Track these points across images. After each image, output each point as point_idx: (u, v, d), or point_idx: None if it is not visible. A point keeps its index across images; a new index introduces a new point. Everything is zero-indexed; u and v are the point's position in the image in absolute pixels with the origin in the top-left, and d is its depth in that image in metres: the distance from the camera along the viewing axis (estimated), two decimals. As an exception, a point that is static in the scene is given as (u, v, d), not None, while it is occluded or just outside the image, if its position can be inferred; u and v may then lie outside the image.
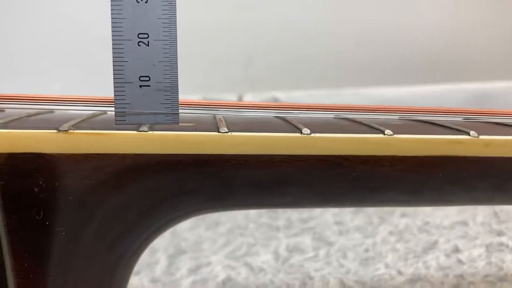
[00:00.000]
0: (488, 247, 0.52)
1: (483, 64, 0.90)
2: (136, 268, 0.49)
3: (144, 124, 0.25)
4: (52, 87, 0.76)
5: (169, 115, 0.26)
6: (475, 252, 0.50)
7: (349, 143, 0.25)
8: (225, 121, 0.27)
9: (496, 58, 0.90)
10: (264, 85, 0.87)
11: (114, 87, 0.25)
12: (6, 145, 0.23)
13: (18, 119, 0.27)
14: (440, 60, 0.89)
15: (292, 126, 0.26)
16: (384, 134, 0.26)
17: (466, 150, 0.26)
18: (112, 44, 0.25)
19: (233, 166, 0.25)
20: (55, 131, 0.24)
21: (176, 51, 0.26)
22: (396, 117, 0.34)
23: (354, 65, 0.88)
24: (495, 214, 0.59)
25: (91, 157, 0.24)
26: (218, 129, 0.25)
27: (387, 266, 0.48)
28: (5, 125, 0.24)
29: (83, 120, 0.26)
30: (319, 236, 0.56)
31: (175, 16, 0.25)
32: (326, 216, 0.61)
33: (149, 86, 0.25)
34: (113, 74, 0.25)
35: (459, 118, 0.34)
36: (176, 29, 0.26)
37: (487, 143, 0.26)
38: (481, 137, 0.26)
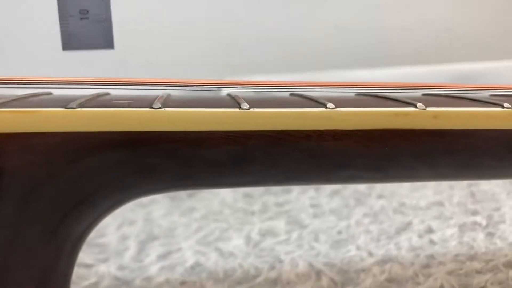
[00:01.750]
0: (461, 227, 0.51)
1: (462, 45, 0.89)
2: (104, 255, 0.49)
3: (84, 48, 0.30)
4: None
5: (105, 42, 0.31)
6: (448, 232, 0.50)
7: (289, 117, 0.24)
8: (165, 99, 0.26)
9: (475, 39, 0.89)
10: (244, 71, 0.86)
11: (60, 20, 0.30)
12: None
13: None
14: (419, 42, 0.88)
15: (235, 102, 0.26)
16: (326, 107, 0.25)
17: (413, 123, 0.25)
18: None
19: (170, 143, 0.24)
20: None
21: None
22: (353, 93, 0.33)
23: (333, 49, 0.87)
24: (472, 194, 0.58)
25: (18, 136, 0.23)
26: (151, 105, 0.24)
27: (358, 248, 0.48)
28: None
29: (17, 99, 0.25)
30: (294, 219, 0.55)
31: None
32: (302, 199, 0.60)
33: (88, 18, 0.31)
34: (58, 8, 0.30)
35: (418, 93, 0.33)
36: None
37: (435, 115, 0.25)
38: (429, 109, 0.25)
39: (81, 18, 0.30)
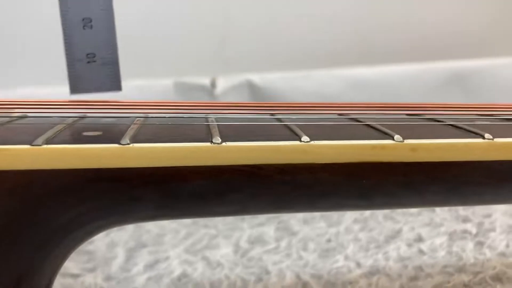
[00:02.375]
0: (451, 235, 0.51)
1: (457, 43, 0.88)
2: (92, 264, 0.49)
3: (92, 91, 0.31)
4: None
5: (113, 85, 0.32)
6: (438, 240, 0.50)
7: (261, 151, 0.24)
8: (140, 128, 0.25)
9: (469, 36, 0.88)
10: (237, 67, 0.85)
11: (67, 63, 0.31)
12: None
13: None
14: (413, 39, 0.87)
15: (208, 132, 0.25)
16: (301, 141, 0.24)
17: (390, 156, 0.24)
18: (62, 28, 0.31)
19: (141, 178, 0.24)
20: None
21: (115, 32, 0.31)
22: (335, 115, 0.32)
23: (327, 46, 0.86)
24: (464, 199, 0.58)
25: None
26: (119, 140, 0.23)
27: (346, 257, 0.47)
28: None
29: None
30: (284, 225, 0.55)
31: (112, 4, 0.31)
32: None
33: (95, 61, 0.31)
34: (65, 52, 0.31)
35: (402, 114, 0.33)
36: (113, 15, 0.31)
37: (413, 148, 0.25)
38: (406, 141, 0.25)
39: (88, 62, 0.31)
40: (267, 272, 0.46)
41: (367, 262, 0.46)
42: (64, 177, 0.23)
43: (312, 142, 0.24)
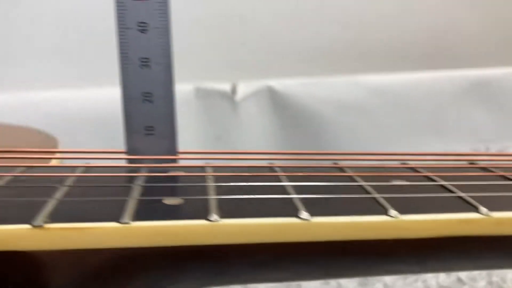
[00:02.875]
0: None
1: (478, 50, 0.87)
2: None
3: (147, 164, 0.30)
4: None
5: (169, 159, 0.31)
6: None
7: (353, 228, 0.23)
8: (217, 200, 0.24)
9: (491, 44, 0.87)
10: (257, 73, 0.84)
11: (125, 135, 0.31)
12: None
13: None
14: (434, 46, 0.86)
15: (291, 203, 0.24)
16: (389, 215, 0.24)
17: (474, 230, 0.24)
18: (122, 101, 0.30)
19: (225, 255, 0.23)
20: (29, 227, 0.22)
21: (175, 106, 0.31)
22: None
23: (348, 52, 0.85)
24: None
25: (70, 253, 0.22)
26: (207, 215, 0.23)
27: (385, 286, 0.47)
28: None
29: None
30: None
31: (173, 79, 0.31)
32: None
33: (153, 134, 0.31)
34: (124, 124, 0.31)
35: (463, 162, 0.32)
36: (174, 89, 0.31)
37: (499, 222, 0.24)
38: (493, 214, 0.24)
39: (146, 134, 0.30)
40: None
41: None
42: (148, 254, 0.23)
43: (401, 218, 0.24)
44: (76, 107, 0.74)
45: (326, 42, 0.84)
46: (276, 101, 0.84)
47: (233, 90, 0.83)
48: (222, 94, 0.82)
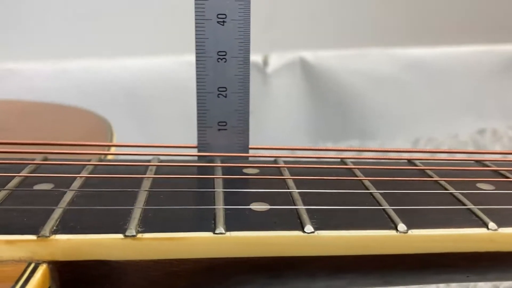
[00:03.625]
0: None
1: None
2: None
3: (216, 161, 0.29)
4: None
5: (237, 156, 0.30)
6: None
7: (449, 240, 0.23)
8: (306, 210, 0.23)
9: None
10: (289, 45, 0.81)
11: (198, 129, 0.30)
12: (66, 253, 0.21)
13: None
14: (473, 19, 0.83)
15: (384, 216, 0.23)
16: (488, 228, 0.23)
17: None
18: (197, 95, 0.29)
19: (317, 267, 0.23)
20: (121, 236, 0.21)
21: (249, 101, 0.30)
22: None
23: (382, 23, 0.82)
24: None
25: (162, 263, 0.21)
26: (302, 225, 0.22)
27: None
28: None
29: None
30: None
31: (249, 73, 0.29)
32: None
33: (226, 129, 0.30)
34: (197, 119, 0.30)
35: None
36: (249, 84, 0.30)
37: None
38: None
39: (219, 129, 0.29)
40: None
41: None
42: (241, 265, 0.22)
43: (499, 231, 0.23)
44: (108, 77, 0.73)
45: (362, 13, 0.81)
46: (309, 73, 0.82)
47: (265, 62, 0.82)
48: (253, 66, 0.81)
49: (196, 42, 0.27)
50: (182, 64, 0.76)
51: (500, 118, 0.82)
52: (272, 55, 0.81)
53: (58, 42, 0.71)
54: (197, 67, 0.28)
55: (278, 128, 0.82)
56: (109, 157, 0.31)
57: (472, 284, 0.46)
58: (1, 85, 0.69)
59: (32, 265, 0.20)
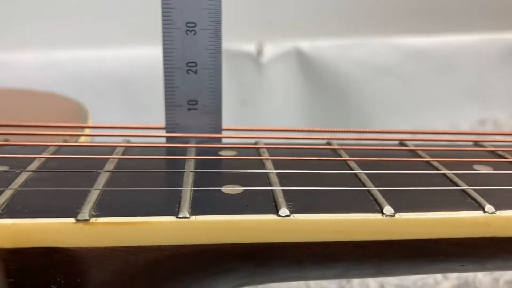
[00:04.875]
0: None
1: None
2: None
3: (190, 142, 0.27)
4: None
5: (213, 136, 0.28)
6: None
7: (441, 225, 0.20)
8: (283, 192, 0.21)
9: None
10: (285, 33, 0.79)
11: (166, 109, 0.27)
12: (11, 239, 0.19)
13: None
14: (476, 6, 0.80)
15: (369, 198, 0.21)
16: (485, 211, 0.20)
17: None
18: (164, 71, 0.27)
19: (293, 254, 0.20)
20: (73, 220, 0.19)
21: (221, 78, 0.27)
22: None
23: (381, 11, 0.79)
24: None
25: (119, 250, 0.19)
26: (276, 208, 0.20)
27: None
28: None
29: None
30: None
31: (221, 47, 0.27)
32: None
33: (196, 109, 0.27)
34: (165, 98, 0.27)
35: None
36: (221, 59, 0.27)
37: None
38: None
39: (189, 109, 0.27)
40: (348, 281, 0.44)
41: (453, 274, 0.44)
42: (209, 251, 0.20)
43: (497, 214, 0.20)
44: (99, 67, 0.71)
45: (361, 1, 0.79)
46: (305, 64, 0.79)
47: (259, 51, 0.79)
48: (247, 56, 0.78)
49: (162, 11, 0.25)
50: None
51: (503, 107, 0.80)
52: (266, 44, 0.78)
53: (47, 32, 0.69)
54: (163, 40, 0.26)
55: (273, 120, 0.80)
56: (82, 139, 0.29)
57: (471, 275, 0.43)
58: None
59: (-28, 252, 0.18)
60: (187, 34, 0.26)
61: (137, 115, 0.72)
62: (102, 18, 0.71)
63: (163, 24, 0.26)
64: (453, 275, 0.44)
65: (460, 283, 0.43)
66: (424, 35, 0.80)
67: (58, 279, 0.19)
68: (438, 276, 0.44)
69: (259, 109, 0.79)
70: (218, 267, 0.20)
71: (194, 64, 0.26)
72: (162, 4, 0.25)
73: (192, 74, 0.27)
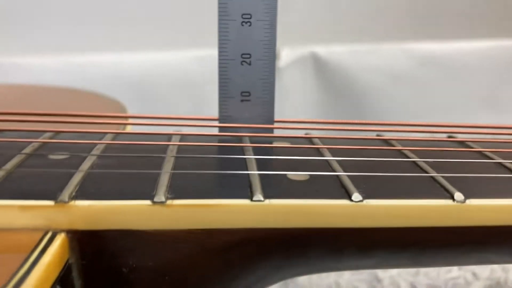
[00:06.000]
0: None
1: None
2: None
3: (243, 135, 0.26)
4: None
5: (265, 127, 0.28)
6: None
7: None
8: (349, 178, 0.21)
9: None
10: (302, 39, 0.79)
11: (219, 101, 0.27)
12: (86, 221, 0.19)
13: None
14: (491, 12, 0.81)
15: (437, 185, 0.21)
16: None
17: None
18: (219, 63, 0.27)
19: (364, 238, 0.20)
20: (149, 203, 0.19)
21: (275, 70, 0.27)
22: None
23: (396, 18, 0.80)
24: None
25: (195, 233, 0.19)
26: (348, 194, 0.20)
27: (460, 267, 0.45)
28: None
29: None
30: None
31: (275, 38, 0.27)
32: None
33: (249, 100, 0.27)
34: (218, 89, 0.27)
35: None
36: (275, 50, 0.27)
37: None
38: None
39: (242, 100, 0.27)
40: (379, 280, 0.44)
41: (484, 273, 0.44)
42: (281, 236, 0.20)
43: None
44: (117, 71, 0.71)
45: (376, 7, 0.79)
46: (321, 68, 0.80)
47: (276, 56, 0.80)
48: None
49: (218, 3, 0.25)
50: (192, 59, 0.74)
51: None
52: (283, 49, 0.79)
53: (66, 36, 0.70)
54: (219, 31, 0.26)
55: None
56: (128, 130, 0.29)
57: (503, 276, 0.43)
58: (9, 78, 0.67)
59: (49, 234, 0.18)
60: (242, 25, 0.26)
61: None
62: (121, 22, 0.71)
63: (219, 15, 0.26)
64: (484, 275, 0.44)
65: (492, 284, 0.43)
66: (438, 42, 0.80)
67: (131, 263, 0.19)
68: (469, 276, 0.44)
69: (275, 112, 0.79)
70: (288, 252, 0.21)
71: (248, 56, 0.27)
72: (219, -4, 0.25)
73: (246, 65, 0.27)
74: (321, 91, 0.80)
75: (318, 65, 0.80)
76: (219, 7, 0.26)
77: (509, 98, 0.81)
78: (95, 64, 0.70)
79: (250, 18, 0.26)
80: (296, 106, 0.80)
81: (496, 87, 0.80)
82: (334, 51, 0.79)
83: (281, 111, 0.88)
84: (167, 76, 0.74)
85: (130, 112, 0.37)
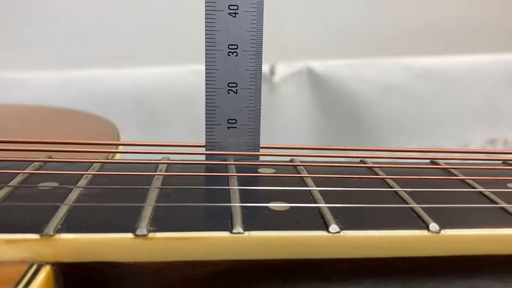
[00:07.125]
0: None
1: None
2: None
3: (229, 160, 0.28)
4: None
5: (251, 155, 0.29)
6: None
7: (487, 242, 0.21)
8: (329, 209, 0.22)
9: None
10: (297, 53, 0.80)
11: (206, 127, 0.28)
12: (72, 253, 0.19)
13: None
14: (487, 27, 0.82)
15: (414, 215, 0.22)
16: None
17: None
18: (206, 91, 0.28)
19: (333, 270, 0.21)
20: (131, 236, 0.19)
21: (260, 98, 0.29)
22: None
23: (391, 32, 0.81)
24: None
25: (176, 265, 0.20)
26: (326, 225, 0.20)
27: None
28: None
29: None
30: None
31: (261, 68, 0.28)
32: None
33: (236, 127, 0.28)
34: (206, 116, 0.28)
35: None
36: (261, 79, 0.29)
37: None
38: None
39: (229, 128, 0.28)
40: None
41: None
42: (259, 269, 0.20)
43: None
44: (115, 86, 0.72)
45: (373, 21, 0.80)
46: (316, 83, 0.80)
47: (271, 71, 0.80)
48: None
49: (206, 34, 0.26)
50: (190, 73, 0.75)
51: (512, 127, 0.81)
52: (279, 64, 0.80)
53: (65, 51, 0.71)
54: (206, 61, 0.27)
55: (285, 139, 0.81)
56: (117, 157, 0.30)
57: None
58: (7, 94, 0.68)
59: (34, 267, 0.19)
60: (229, 55, 0.27)
61: (153, 133, 0.73)
62: (119, 37, 0.72)
63: (206, 46, 0.27)
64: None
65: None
66: (434, 56, 0.81)
67: None
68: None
69: (271, 128, 0.80)
70: (272, 282, 0.21)
71: (234, 85, 0.27)
72: (206, 27, 0.26)
73: (233, 93, 0.28)
74: (317, 106, 0.81)
75: (314, 79, 0.80)
76: (206, 38, 0.26)
77: (504, 112, 0.81)
78: (93, 79, 0.70)
79: (237, 48, 0.27)
80: (292, 120, 0.81)
81: (491, 100, 0.81)
82: (330, 65, 0.80)
83: (277, 126, 0.89)
84: (165, 91, 0.75)
85: (124, 130, 0.37)
